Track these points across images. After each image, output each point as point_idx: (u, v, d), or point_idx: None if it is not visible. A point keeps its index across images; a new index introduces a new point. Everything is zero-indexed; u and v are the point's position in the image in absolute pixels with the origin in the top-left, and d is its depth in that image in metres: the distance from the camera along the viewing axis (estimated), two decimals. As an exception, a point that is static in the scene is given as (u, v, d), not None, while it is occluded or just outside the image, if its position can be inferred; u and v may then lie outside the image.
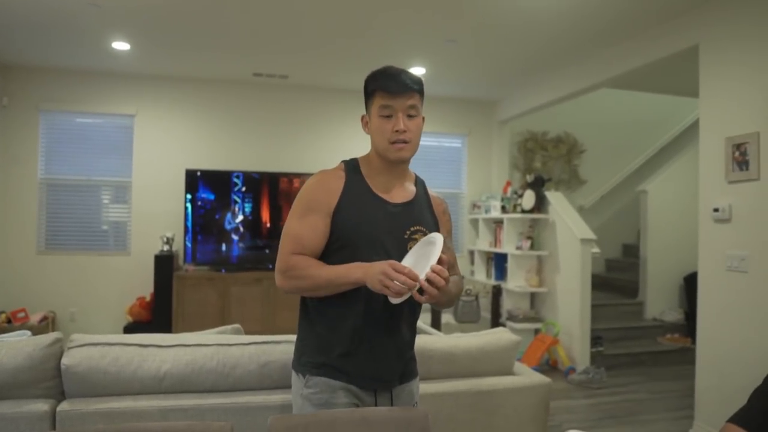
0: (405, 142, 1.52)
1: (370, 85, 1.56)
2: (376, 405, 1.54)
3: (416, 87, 1.54)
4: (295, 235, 1.52)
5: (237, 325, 2.40)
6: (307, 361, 1.55)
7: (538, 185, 5.61)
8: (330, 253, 1.54)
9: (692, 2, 3.64)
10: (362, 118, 1.62)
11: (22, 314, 5.19)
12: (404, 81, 1.51)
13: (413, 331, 1.65)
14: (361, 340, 1.51)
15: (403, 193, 1.62)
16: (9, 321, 5.10)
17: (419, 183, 1.71)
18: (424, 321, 4.85)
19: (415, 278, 1.30)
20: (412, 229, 1.58)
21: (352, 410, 1.34)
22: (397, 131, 1.50)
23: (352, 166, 1.61)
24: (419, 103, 1.56)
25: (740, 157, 3.33)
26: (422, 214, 1.63)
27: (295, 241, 1.51)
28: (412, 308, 1.59)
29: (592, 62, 4.82)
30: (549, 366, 5.16)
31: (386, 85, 1.51)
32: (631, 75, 4.52)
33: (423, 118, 1.58)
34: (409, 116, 1.53)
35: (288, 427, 1.24)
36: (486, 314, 5.73)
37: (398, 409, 1.37)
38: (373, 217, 1.54)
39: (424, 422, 1.31)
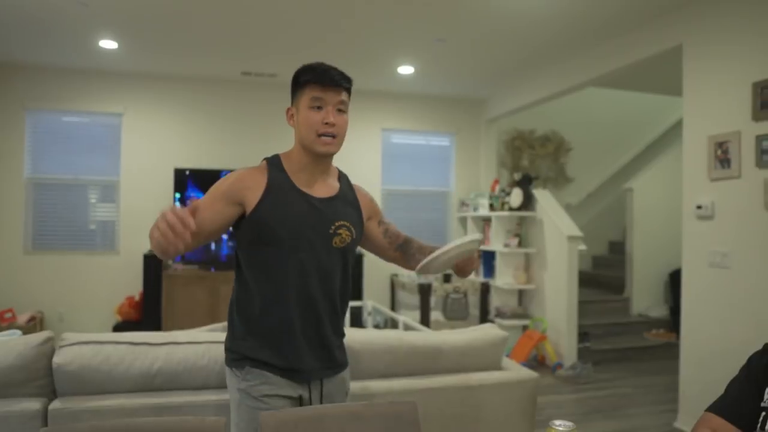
0: (333, 136, 1.54)
1: (302, 77, 1.56)
2: (309, 394, 1.58)
3: (347, 85, 1.58)
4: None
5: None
6: (244, 355, 1.55)
7: (525, 183, 5.66)
8: (254, 251, 1.56)
9: (676, 3, 3.70)
10: (288, 110, 1.62)
11: (9, 314, 5.15)
12: (337, 76, 1.54)
13: (337, 324, 1.66)
14: (289, 333, 1.54)
15: (326, 188, 1.64)
16: (-4, 321, 5.07)
17: (342, 178, 1.73)
18: (413, 318, 4.89)
19: (186, 224, 1.22)
20: (336, 224, 1.60)
21: (341, 405, 1.34)
22: (326, 123, 1.52)
23: (274, 163, 1.62)
24: (348, 101, 1.59)
25: (722, 155, 3.40)
26: (345, 210, 1.65)
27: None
28: (331, 300, 1.62)
29: (578, 61, 4.87)
30: (537, 362, 5.21)
31: (319, 78, 1.53)
32: (617, 74, 4.58)
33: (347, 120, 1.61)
34: (339, 111, 1.55)
35: (279, 422, 1.26)
36: (475, 311, 5.77)
37: (387, 403, 1.40)
38: (298, 212, 1.55)
39: (413, 415, 1.34)
